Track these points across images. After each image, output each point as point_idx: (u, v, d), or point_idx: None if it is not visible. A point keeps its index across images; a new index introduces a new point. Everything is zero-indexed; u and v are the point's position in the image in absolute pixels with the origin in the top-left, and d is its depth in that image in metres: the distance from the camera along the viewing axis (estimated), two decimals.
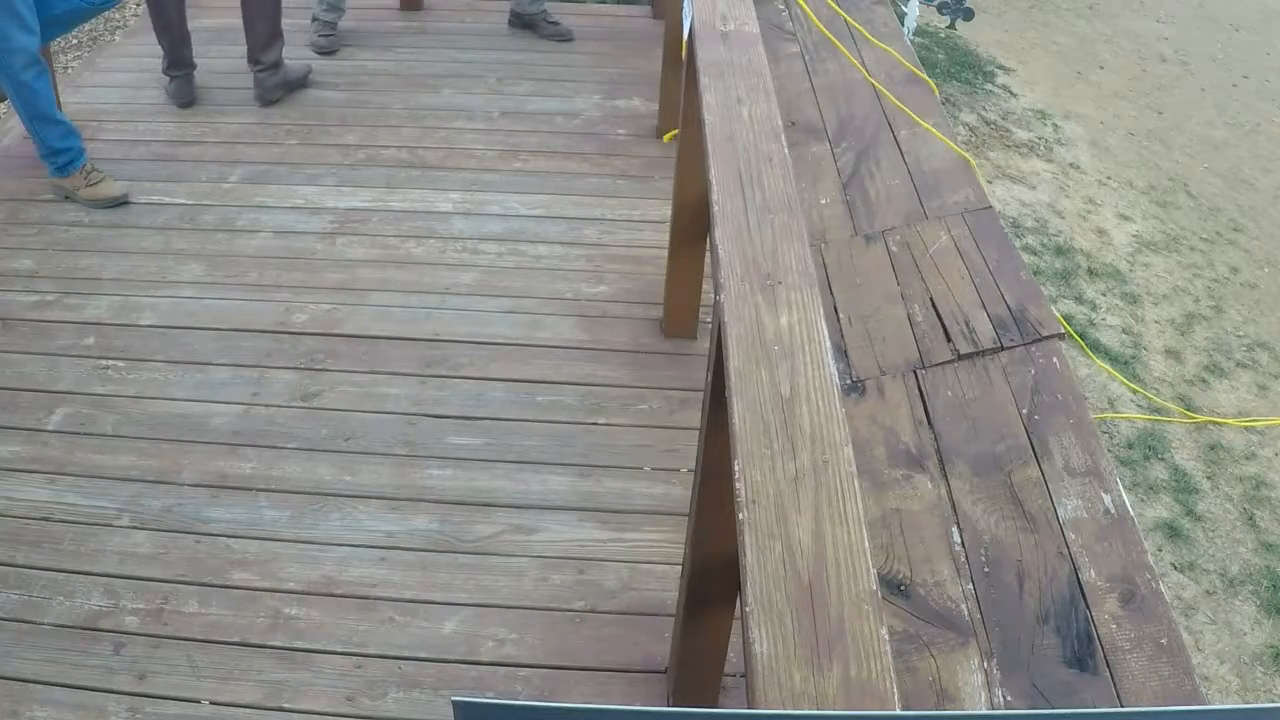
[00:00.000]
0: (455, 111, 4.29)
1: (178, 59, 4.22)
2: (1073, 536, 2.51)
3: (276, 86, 4.27)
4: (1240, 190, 6.71)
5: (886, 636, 1.10)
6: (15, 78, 3.39)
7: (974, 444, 2.78)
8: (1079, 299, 5.36)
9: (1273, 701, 3.63)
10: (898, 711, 1.06)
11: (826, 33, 4.81)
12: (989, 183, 5.88)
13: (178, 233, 3.53)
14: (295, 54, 4.62)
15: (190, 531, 2.51)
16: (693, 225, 2.86)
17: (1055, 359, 3.04)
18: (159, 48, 4.46)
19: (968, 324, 3.16)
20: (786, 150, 1.94)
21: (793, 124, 4.15)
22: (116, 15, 6.22)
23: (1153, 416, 4.65)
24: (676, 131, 3.21)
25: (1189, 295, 5.60)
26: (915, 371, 3.03)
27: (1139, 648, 2.27)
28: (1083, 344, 4.82)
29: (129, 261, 3.39)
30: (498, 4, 5.11)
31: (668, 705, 2.13)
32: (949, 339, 3.12)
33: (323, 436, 2.78)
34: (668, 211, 3.11)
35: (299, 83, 4.38)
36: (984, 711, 2.13)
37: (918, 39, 6.86)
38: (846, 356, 3.09)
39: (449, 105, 4.34)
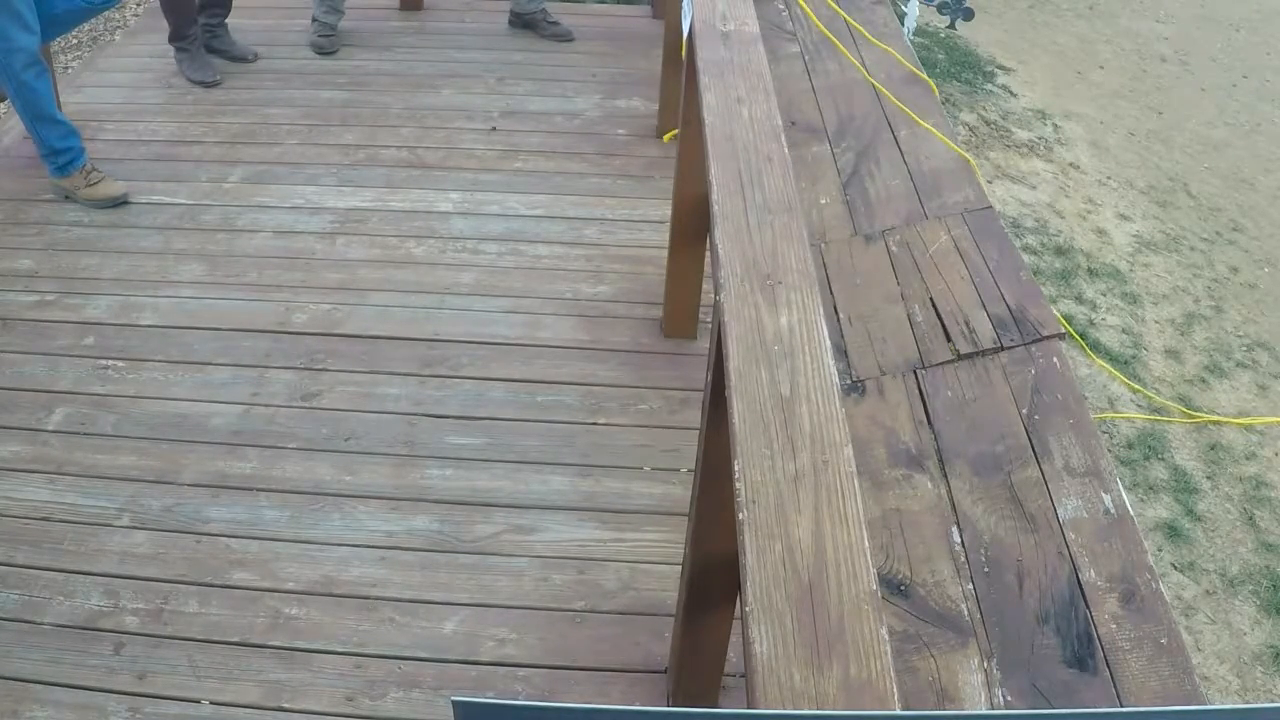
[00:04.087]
0: (455, 111, 4.29)
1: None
2: (1073, 536, 2.51)
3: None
4: (1240, 190, 6.71)
5: (886, 636, 1.10)
6: (15, 77, 3.39)
7: (974, 444, 2.78)
8: (1079, 299, 5.36)
9: (1273, 701, 3.63)
10: (898, 711, 1.06)
11: (826, 33, 4.81)
12: (989, 183, 5.88)
13: (178, 233, 3.53)
14: (296, 54, 4.64)
15: (190, 531, 2.51)
16: (693, 225, 2.86)
17: (1055, 359, 3.04)
18: (160, 47, 4.48)
19: (968, 324, 3.16)
20: (786, 150, 1.94)
21: (793, 124, 4.15)
22: (116, 15, 6.22)
23: (1153, 416, 4.65)
24: (676, 131, 3.21)
25: (1189, 295, 5.60)
26: (915, 371, 3.03)
27: (1139, 648, 2.27)
28: (1083, 344, 4.81)
29: (129, 261, 3.39)
30: (498, 4, 5.11)
31: (668, 705, 2.13)
32: (949, 339, 3.12)
33: (323, 436, 2.78)
34: (668, 211, 3.11)
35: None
36: (984, 711, 2.13)
37: (918, 39, 6.86)
38: (846, 356, 3.09)
39: (449, 105, 4.34)
